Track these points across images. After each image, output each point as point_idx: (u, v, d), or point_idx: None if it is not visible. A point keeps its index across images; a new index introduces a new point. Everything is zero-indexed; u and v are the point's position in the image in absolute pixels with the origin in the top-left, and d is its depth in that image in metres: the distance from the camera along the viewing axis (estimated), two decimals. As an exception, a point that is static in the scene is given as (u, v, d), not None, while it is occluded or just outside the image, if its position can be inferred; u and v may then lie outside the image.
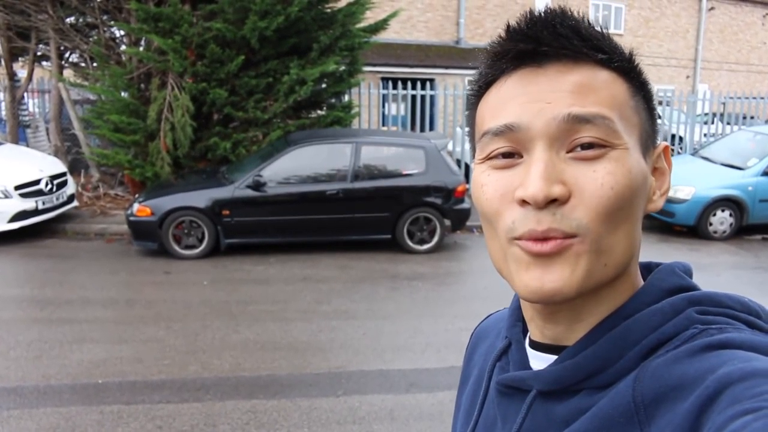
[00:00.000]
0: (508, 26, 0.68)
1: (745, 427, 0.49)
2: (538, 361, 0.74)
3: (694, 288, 0.70)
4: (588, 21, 0.68)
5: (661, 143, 0.73)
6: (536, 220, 0.63)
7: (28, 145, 11.17)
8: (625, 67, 0.68)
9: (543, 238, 0.63)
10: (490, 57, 0.70)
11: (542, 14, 0.66)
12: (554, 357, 0.71)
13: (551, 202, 0.63)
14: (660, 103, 13.93)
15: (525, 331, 0.78)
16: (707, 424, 0.53)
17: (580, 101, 0.64)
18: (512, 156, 0.67)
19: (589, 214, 0.63)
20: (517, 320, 0.80)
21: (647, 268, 0.76)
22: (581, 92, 0.65)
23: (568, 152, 0.65)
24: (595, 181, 0.63)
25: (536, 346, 0.74)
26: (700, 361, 0.59)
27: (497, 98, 0.68)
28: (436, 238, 8.20)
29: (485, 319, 0.97)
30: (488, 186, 0.67)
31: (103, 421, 4.01)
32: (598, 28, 0.68)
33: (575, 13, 0.67)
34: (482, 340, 0.93)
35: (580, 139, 0.64)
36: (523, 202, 0.64)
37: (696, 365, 0.59)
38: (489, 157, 0.68)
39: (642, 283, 0.72)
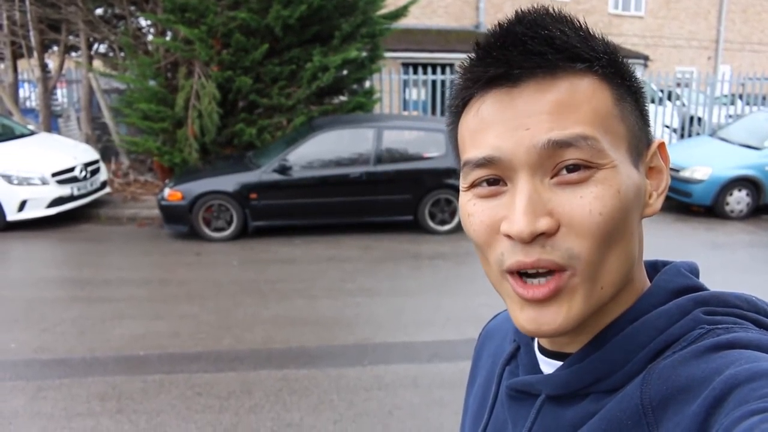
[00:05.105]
0: (478, 45, 0.66)
1: (753, 428, 0.48)
2: (547, 365, 0.74)
3: (700, 288, 0.69)
4: (566, 25, 0.64)
5: (656, 141, 0.71)
6: (524, 253, 0.62)
7: (60, 134, 11.54)
8: (609, 72, 0.66)
9: (534, 273, 0.64)
10: (463, 79, 0.67)
11: (513, 28, 0.64)
12: (561, 362, 0.71)
13: (539, 236, 0.62)
14: (678, 84, 13.97)
15: None
16: (715, 426, 0.53)
17: (560, 123, 0.62)
18: (497, 182, 0.65)
19: (580, 243, 0.62)
20: None
21: (654, 267, 0.75)
22: (560, 112, 0.62)
23: (552, 177, 0.63)
24: (583, 208, 0.61)
25: (544, 351, 0.75)
26: (707, 362, 0.58)
27: (476, 122, 0.66)
28: (456, 219, 8.40)
29: (492, 319, 0.97)
30: (475, 217, 0.66)
31: (147, 388, 4.32)
32: (576, 31, 0.65)
33: (552, 15, 0.64)
34: (489, 341, 0.93)
35: (564, 162, 0.62)
36: (510, 237, 0.63)
37: (703, 366, 0.58)
38: (473, 185, 0.67)
39: (648, 284, 0.71)
